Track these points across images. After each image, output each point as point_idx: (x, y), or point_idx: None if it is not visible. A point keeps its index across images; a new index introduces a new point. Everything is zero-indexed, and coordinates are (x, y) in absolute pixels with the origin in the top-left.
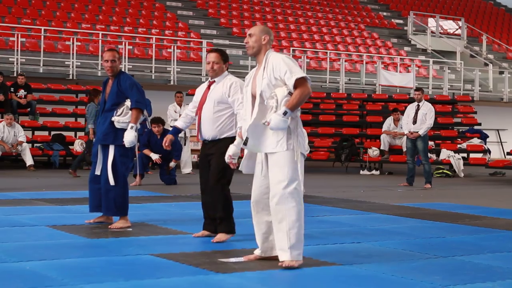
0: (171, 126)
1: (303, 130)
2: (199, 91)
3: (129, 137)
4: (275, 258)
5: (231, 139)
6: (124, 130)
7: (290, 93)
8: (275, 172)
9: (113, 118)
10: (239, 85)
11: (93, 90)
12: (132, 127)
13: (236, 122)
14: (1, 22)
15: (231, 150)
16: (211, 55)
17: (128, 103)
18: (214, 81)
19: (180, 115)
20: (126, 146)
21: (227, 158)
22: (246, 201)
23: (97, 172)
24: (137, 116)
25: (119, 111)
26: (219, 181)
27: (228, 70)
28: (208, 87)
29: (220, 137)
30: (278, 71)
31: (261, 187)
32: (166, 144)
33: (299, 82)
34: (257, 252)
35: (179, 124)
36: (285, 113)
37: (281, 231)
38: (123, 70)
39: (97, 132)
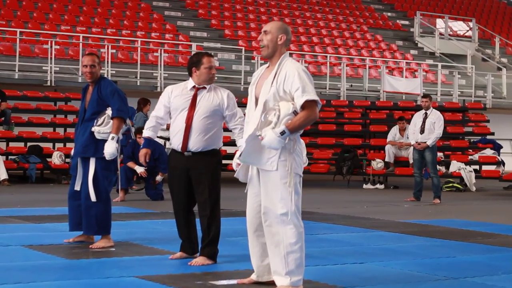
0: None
1: (301, 147)
2: (180, 95)
3: (110, 149)
4: (272, 283)
5: (218, 152)
6: (105, 141)
7: (295, 112)
8: (268, 192)
9: (93, 129)
10: (234, 97)
11: (142, 99)
12: (113, 138)
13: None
14: None
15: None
16: (212, 59)
17: (109, 111)
18: (204, 87)
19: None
20: (107, 158)
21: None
22: (239, 218)
23: (77, 187)
24: (118, 126)
25: (100, 120)
26: (216, 203)
27: (220, 75)
28: (195, 93)
29: (208, 148)
30: (289, 85)
31: (254, 204)
32: (147, 160)
33: (308, 104)
34: (253, 276)
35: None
36: (282, 133)
37: (277, 256)
38: (105, 75)
39: (76, 143)
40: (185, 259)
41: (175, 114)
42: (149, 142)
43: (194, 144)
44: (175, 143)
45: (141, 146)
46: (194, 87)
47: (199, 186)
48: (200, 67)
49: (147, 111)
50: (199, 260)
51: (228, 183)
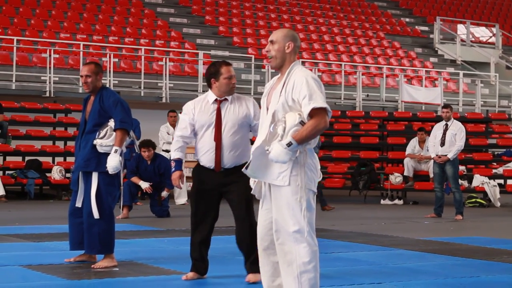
0: (163, 150)
1: (315, 160)
2: (203, 110)
3: (113, 163)
4: None
5: None
6: (108, 154)
7: (302, 122)
8: (279, 209)
9: (95, 141)
10: (258, 104)
11: None
12: (116, 151)
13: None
14: None
15: None
16: (231, 68)
17: (111, 123)
18: (226, 99)
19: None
20: (110, 172)
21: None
22: None
23: (78, 204)
24: (121, 138)
25: (102, 132)
26: (252, 215)
27: None
28: (218, 107)
29: (241, 163)
30: (297, 93)
31: (265, 221)
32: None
33: (316, 112)
34: None
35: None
36: (289, 145)
37: (290, 275)
38: (106, 86)
39: (77, 157)
40: (198, 280)
41: (201, 131)
42: (180, 163)
43: (227, 162)
44: (205, 161)
45: (173, 169)
46: (216, 100)
47: (236, 201)
48: (219, 77)
49: None
50: (252, 277)
51: None
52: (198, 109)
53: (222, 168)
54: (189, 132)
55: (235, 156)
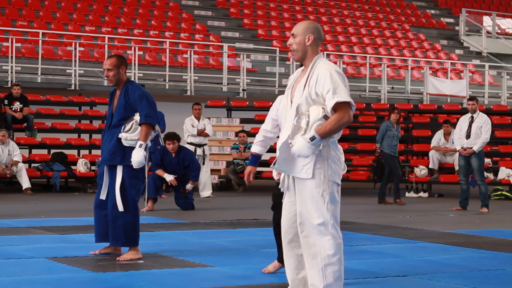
0: (187, 143)
1: (338, 153)
2: (284, 106)
3: (137, 157)
4: None
5: None
6: (133, 148)
7: (325, 117)
8: (303, 202)
9: (120, 135)
10: None
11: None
12: (141, 145)
13: None
14: None
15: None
16: None
17: (137, 117)
18: None
19: (201, 130)
20: (134, 167)
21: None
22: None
23: (103, 196)
24: (146, 133)
25: (127, 126)
26: None
27: (253, 78)
28: None
29: None
30: (321, 86)
31: (290, 214)
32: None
33: (340, 106)
34: None
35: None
36: (312, 139)
37: (315, 268)
38: (132, 79)
39: (103, 150)
40: (226, 273)
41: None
42: (255, 158)
43: None
44: None
45: (248, 163)
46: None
47: None
48: None
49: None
50: None
51: (261, 191)
52: (283, 103)
53: None
54: (270, 127)
55: None
